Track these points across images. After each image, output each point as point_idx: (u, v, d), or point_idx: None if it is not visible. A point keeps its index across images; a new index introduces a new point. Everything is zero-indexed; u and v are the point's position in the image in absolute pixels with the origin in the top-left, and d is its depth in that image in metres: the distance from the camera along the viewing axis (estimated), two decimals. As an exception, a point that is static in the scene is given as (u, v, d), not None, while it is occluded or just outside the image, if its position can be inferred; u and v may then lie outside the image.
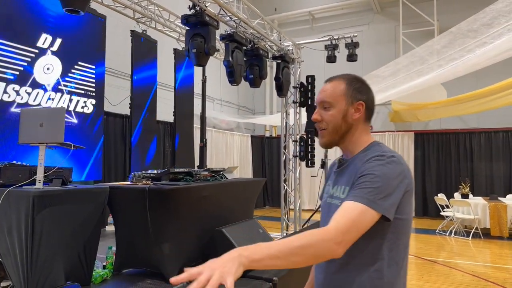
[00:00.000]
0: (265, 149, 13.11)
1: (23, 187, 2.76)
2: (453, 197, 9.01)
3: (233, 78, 5.18)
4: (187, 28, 4.66)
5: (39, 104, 4.63)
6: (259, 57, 5.81)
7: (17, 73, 4.45)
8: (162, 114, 7.40)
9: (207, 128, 10.10)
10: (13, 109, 4.40)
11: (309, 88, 6.69)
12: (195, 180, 3.63)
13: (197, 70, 7.30)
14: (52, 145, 2.83)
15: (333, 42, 6.87)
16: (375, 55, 11.25)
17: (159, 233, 3.12)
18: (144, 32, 6.13)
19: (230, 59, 5.11)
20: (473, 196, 9.56)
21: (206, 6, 4.62)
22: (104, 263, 3.36)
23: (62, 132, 2.75)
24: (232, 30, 5.21)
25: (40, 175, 2.75)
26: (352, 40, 6.80)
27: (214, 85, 10.72)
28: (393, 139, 11.15)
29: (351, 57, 6.88)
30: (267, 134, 13.27)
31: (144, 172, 3.60)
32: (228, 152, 10.96)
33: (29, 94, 4.58)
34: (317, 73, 11.03)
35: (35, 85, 4.68)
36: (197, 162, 7.82)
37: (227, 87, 10.61)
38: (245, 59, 5.83)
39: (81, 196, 2.91)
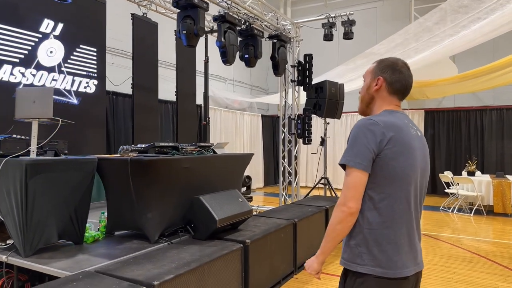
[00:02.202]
0: (276, 128, 13.30)
1: (20, 157, 3.14)
2: (461, 175, 8.99)
3: (225, 58, 5.39)
4: (178, 10, 4.89)
5: (43, 85, 5.04)
6: (254, 37, 5.97)
7: (22, 56, 4.84)
8: (165, 92, 7.65)
9: (217, 108, 10.40)
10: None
11: (307, 66, 6.77)
12: (180, 153, 3.95)
13: (200, 51, 7.52)
14: (43, 120, 3.19)
15: (330, 20, 6.88)
16: (389, 31, 11.03)
17: (141, 200, 3.47)
18: (145, 15, 6.40)
19: (223, 39, 5.31)
20: (482, 173, 9.49)
21: (196, -11, 4.81)
22: (98, 226, 3.78)
23: (51, 109, 3.10)
24: (225, 11, 5.39)
25: (33, 147, 3.13)
26: (348, 18, 6.79)
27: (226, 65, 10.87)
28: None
29: (347, 35, 6.86)
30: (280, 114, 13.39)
31: (132, 146, 3.95)
32: (237, 132, 11.23)
33: (33, 75, 4.99)
34: (325, 52, 11.06)
35: (40, 67, 5.07)
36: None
37: (241, 67, 10.75)
38: (240, 39, 6.00)
39: (70, 165, 3.28)
